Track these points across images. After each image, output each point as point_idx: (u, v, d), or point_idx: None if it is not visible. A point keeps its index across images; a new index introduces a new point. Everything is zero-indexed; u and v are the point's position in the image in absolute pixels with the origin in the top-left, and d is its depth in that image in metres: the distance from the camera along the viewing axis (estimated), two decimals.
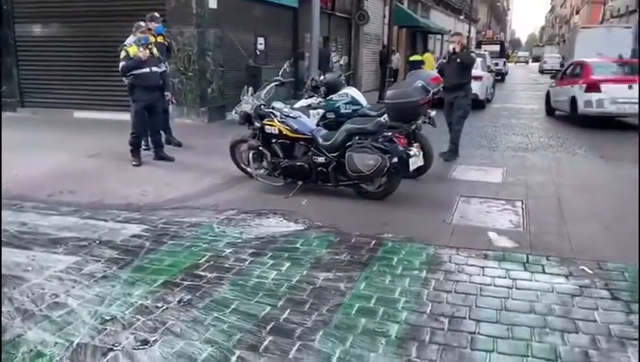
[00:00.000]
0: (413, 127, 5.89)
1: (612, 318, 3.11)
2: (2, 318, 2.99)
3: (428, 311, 3.17)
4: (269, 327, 2.95)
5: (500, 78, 30.90)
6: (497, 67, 27.57)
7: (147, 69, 6.94)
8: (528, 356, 2.71)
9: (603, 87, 10.93)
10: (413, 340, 2.84)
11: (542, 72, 28.41)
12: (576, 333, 2.94)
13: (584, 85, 11.27)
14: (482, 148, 8.94)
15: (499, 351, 2.75)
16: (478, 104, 14.97)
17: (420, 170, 6.11)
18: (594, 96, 11.01)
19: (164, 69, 7.51)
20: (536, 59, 51.40)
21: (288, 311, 3.15)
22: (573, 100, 11.62)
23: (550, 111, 13.94)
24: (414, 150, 5.40)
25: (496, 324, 3.03)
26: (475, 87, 14.94)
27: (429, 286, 3.53)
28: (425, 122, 6.25)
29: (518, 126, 11.96)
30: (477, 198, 5.71)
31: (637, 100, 10.02)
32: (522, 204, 5.50)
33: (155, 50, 7.23)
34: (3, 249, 3.92)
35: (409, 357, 2.68)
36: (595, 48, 20.93)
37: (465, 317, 3.10)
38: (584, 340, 2.87)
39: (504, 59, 36.34)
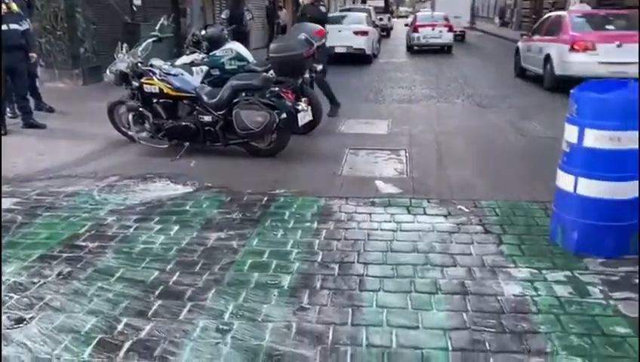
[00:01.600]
0: (299, 81, 5.86)
1: (485, 250, 3.38)
2: None
3: (319, 260, 3.24)
4: (157, 292, 2.86)
5: (385, 33, 31.58)
6: (382, 22, 28.22)
7: (5, 27, 6.23)
8: (411, 291, 2.87)
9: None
10: (305, 288, 2.89)
11: (412, 48, 24.35)
12: (454, 266, 3.16)
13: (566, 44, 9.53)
14: (369, 102, 9.18)
15: (385, 289, 2.89)
16: (365, 59, 15.32)
17: (310, 126, 6.15)
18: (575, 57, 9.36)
19: (27, 27, 6.78)
20: None
21: (178, 273, 3.06)
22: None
23: (521, 72, 12.11)
24: (302, 105, 5.40)
25: (382, 265, 3.17)
26: (362, 41, 15.34)
27: (320, 236, 3.60)
28: (312, 76, 6.25)
29: (402, 79, 12.40)
30: (364, 150, 5.87)
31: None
32: (406, 152, 5.75)
33: (13, 6, 6.49)
34: None
35: (301, 304, 2.73)
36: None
37: (354, 262, 3.21)
38: (461, 272, 3.09)
39: (389, 15, 37.25)
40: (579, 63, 9.28)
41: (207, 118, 5.38)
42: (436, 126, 7.13)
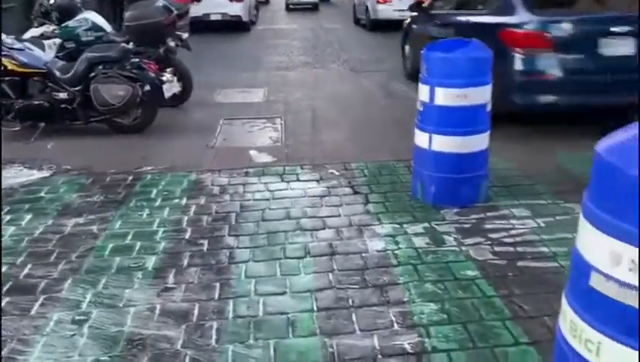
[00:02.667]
0: (161, 50, 5.56)
1: (353, 210, 3.48)
2: None
3: (187, 237, 3.15)
4: (5, 288, 2.62)
5: (264, 0, 31.08)
6: None
7: None
8: (281, 258, 2.89)
9: None
10: (171, 268, 2.80)
11: (288, 7, 25.13)
12: (323, 229, 3.23)
13: None
14: (246, 70, 9.01)
15: (255, 259, 2.88)
16: (242, 26, 14.98)
17: (180, 97, 5.92)
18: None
19: None
20: None
21: (30, 266, 2.83)
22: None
23: (356, 21, 16.63)
24: (167, 76, 5.16)
25: (254, 236, 3.15)
26: (238, 8, 14.94)
27: (190, 212, 3.50)
28: (178, 45, 5.98)
29: (280, 46, 12.31)
30: (239, 120, 5.78)
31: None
32: (281, 120, 5.74)
33: None
34: None
35: (166, 284, 2.65)
36: None
37: (224, 235, 3.16)
38: (330, 234, 3.17)
39: None
40: (382, 11, 14.04)
41: (62, 95, 4.95)
42: (312, 92, 7.18)
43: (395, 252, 2.92)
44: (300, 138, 5.11)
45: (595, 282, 1.46)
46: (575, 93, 4.62)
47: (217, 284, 2.64)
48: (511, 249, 2.93)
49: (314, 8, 24.26)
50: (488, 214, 3.36)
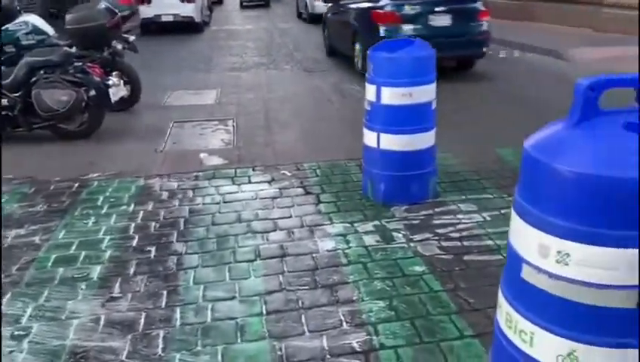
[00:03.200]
0: (106, 53, 5.42)
1: (305, 211, 3.49)
2: None
3: (134, 244, 3.08)
4: None
5: (217, 0, 30.76)
6: None
7: None
8: (231, 262, 2.86)
9: None
10: (117, 277, 2.73)
11: (242, 4, 27.25)
12: (274, 231, 3.21)
13: None
14: (199, 72, 8.90)
15: (204, 264, 2.84)
16: (195, 27, 14.78)
17: (129, 101, 5.78)
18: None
19: None
20: None
21: None
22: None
23: (299, 15, 18.80)
24: (114, 79, 5.03)
25: (203, 240, 3.11)
26: (189, 9, 14.73)
27: (137, 218, 3.42)
28: (125, 48, 5.84)
29: (234, 47, 12.20)
30: (191, 122, 5.69)
31: None
32: (233, 121, 5.69)
33: None
34: None
35: (111, 294, 2.58)
36: None
37: (173, 241, 3.11)
38: (281, 235, 3.16)
39: None
40: (318, 6, 15.45)
41: (2, 102, 4.76)
42: (265, 93, 7.15)
43: (346, 251, 2.94)
44: (252, 139, 5.07)
45: (527, 274, 1.50)
46: None
47: (165, 292, 2.59)
48: (458, 243, 2.99)
49: (266, 5, 26.74)
50: (436, 210, 3.42)
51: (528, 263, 1.48)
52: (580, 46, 9.24)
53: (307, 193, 3.78)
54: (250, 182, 4.01)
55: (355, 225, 3.25)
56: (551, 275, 1.43)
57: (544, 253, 1.43)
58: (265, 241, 3.09)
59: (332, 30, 9.72)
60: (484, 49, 7.70)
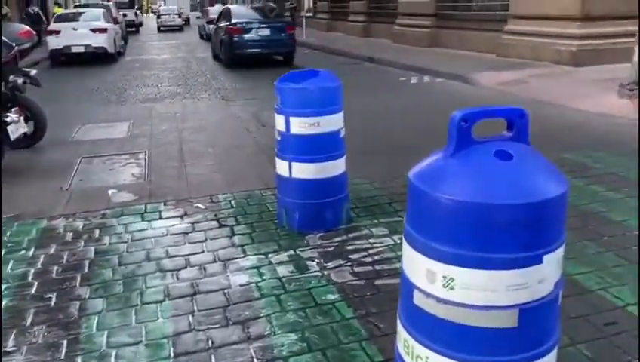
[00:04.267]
0: (4, 89, 5.12)
1: (218, 245, 3.42)
2: None
3: (33, 292, 2.88)
4: None
5: (134, 29, 30.13)
6: (127, 18, 26.82)
7: None
8: (138, 305, 2.74)
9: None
10: (12, 328, 2.54)
11: (160, 29, 34.70)
12: (185, 268, 3.12)
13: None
14: (111, 104, 8.62)
15: (109, 309, 2.70)
16: (109, 58, 14.37)
17: (32, 137, 5.48)
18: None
19: None
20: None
21: None
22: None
23: (207, 37, 21.23)
24: (12, 116, 4.76)
25: (109, 283, 2.97)
26: (102, 39, 14.34)
27: (37, 263, 3.21)
28: (26, 82, 5.55)
29: (149, 77, 11.95)
30: (100, 157, 5.48)
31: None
32: (145, 154, 5.53)
33: None
34: None
35: (5, 349, 2.39)
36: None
37: (75, 286, 2.94)
38: (192, 272, 3.07)
39: (135, 10, 35.60)
40: (211, 28, 17.49)
41: None
42: (180, 124, 7.03)
43: (259, 284, 2.90)
44: (164, 172, 4.95)
45: (418, 300, 1.54)
46: (255, 48, 12.82)
47: (65, 341, 2.43)
48: (370, 268, 3.04)
49: (180, 29, 33.49)
50: (350, 235, 3.47)
51: (419, 289, 1.53)
52: (484, 70, 9.85)
53: (221, 226, 3.71)
54: (161, 218, 3.89)
55: (270, 256, 3.22)
56: (439, 300, 1.48)
57: (431, 278, 1.48)
58: (175, 280, 2.99)
59: (213, 42, 15.75)
60: (292, 49, 13.46)
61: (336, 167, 3.56)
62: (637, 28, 6.97)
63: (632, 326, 2.40)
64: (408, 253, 1.56)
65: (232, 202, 4.13)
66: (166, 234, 3.60)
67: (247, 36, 12.77)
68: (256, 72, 12.17)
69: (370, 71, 12.04)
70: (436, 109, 7.39)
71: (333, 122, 3.46)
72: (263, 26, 13.03)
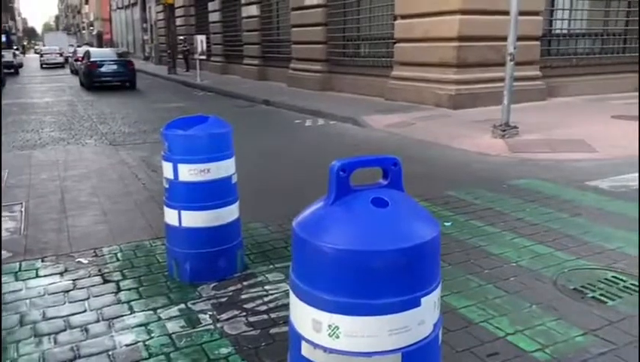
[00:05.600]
0: None
1: (102, 302, 3.19)
2: None
3: None
4: None
5: (12, 70, 28.39)
6: (5, 59, 25.12)
7: None
8: None
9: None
10: None
11: (42, 66, 37.20)
12: (64, 331, 2.86)
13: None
14: None
15: None
16: None
17: None
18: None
19: None
20: None
21: None
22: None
23: (72, 71, 27.86)
24: None
25: None
26: None
27: None
28: None
29: (28, 122, 11.16)
30: None
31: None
32: (22, 206, 5.09)
33: None
34: None
35: None
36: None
37: None
38: (73, 335, 2.82)
39: (14, 50, 33.55)
40: (78, 65, 23.87)
41: None
42: (62, 172, 6.58)
43: (147, 342, 2.73)
44: (43, 226, 4.57)
45: (305, 350, 1.53)
46: (107, 77, 19.14)
47: None
48: (265, 316, 2.98)
49: (61, 66, 36.05)
50: (245, 284, 3.39)
51: (306, 340, 1.51)
52: (373, 114, 10.34)
53: (106, 281, 3.47)
54: (37, 276, 3.57)
55: (159, 311, 3.05)
56: (325, 349, 1.47)
57: (317, 328, 1.47)
58: (52, 344, 2.73)
59: (80, 73, 21.74)
60: (133, 78, 19.45)
61: (229, 213, 3.50)
62: (504, 74, 7.73)
63: (512, 356, 2.55)
64: (294, 302, 1.55)
65: (118, 255, 3.90)
66: (43, 294, 3.30)
67: (100, 70, 18.93)
68: (151, 114, 11.82)
69: (266, 113, 12.18)
70: (330, 151, 7.61)
71: (224, 168, 3.41)
72: (111, 62, 19.31)
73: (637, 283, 3.24)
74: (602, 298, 3.09)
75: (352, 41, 14.34)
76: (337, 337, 1.44)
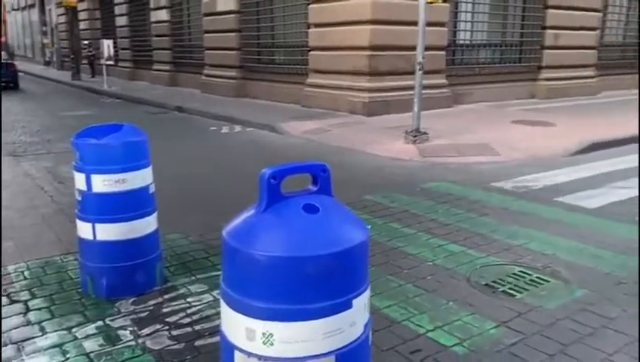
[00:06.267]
0: None
1: (9, 325, 2.95)
2: None
3: None
4: None
5: None
6: None
7: None
8: None
9: None
10: None
11: None
12: None
13: None
14: None
15: None
16: None
17: None
18: None
19: None
20: None
21: None
22: None
23: None
24: None
25: None
26: None
27: None
28: None
29: None
30: None
31: None
32: None
33: None
34: None
35: None
36: None
37: None
38: None
39: None
40: None
41: None
42: None
43: None
44: None
45: (239, 360, 1.52)
46: None
47: None
48: (189, 329, 2.91)
49: None
50: (166, 297, 3.29)
51: (239, 349, 1.51)
52: (290, 120, 10.41)
53: (12, 302, 3.23)
54: None
55: (74, 330, 2.89)
56: (260, 357, 1.47)
57: (251, 336, 1.47)
58: None
59: None
60: (15, 79, 20.02)
61: (147, 224, 3.38)
62: (414, 82, 8.09)
63: (434, 352, 2.67)
64: (226, 312, 1.54)
65: (26, 273, 3.64)
66: None
67: None
68: (49, 120, 11.11)
69: (179, 120, 11.87)
70: (249, 158, 7.57)
71: (140, 178, 3.29)
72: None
73: (542, 277, 3.51)
74: (511, 291, 3.31)
75: (266, 48, 14.36)
76: (272, 344, 1.45)
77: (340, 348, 1.49)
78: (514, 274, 3.57)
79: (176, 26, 18.93)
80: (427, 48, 8.27)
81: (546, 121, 9.98)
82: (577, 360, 2.59)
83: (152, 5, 19.68)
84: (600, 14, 14.55)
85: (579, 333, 2.83)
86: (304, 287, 1.44)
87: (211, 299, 3.25)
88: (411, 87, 8.45)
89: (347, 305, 1.48)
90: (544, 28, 13.43)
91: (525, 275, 3.54)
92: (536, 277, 3.51)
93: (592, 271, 3.61)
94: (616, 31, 15.94)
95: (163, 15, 19.25)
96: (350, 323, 1.50)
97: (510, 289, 3.35)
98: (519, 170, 6.47)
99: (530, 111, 11.19)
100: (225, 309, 1.54)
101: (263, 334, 1.45)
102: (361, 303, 1.53)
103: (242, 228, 1.52)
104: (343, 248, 1.45)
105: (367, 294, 1.56)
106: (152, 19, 19.86)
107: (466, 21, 12.61)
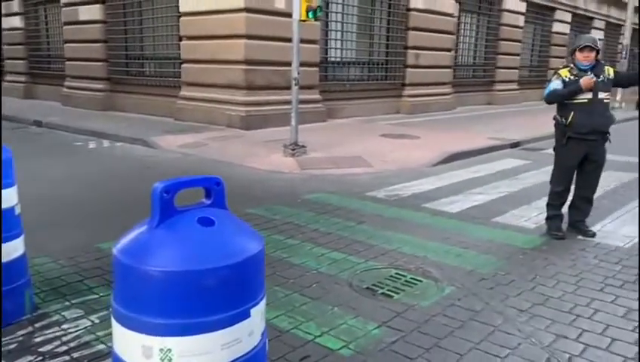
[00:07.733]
0: None
1: None
2: None
3: None
4: None
5: None
6: None
7: None
8: None
9: None
10: None
11: None
12: None
13: None
14: None
15: None
16: None
17: None
18: None
19: None
20: None
21: None
22: None
23: None
24: None
25: None
26: None
27: None
28: None
29: None
30: None
31: None
32: None
33: None
34: None
35: None
36: None
37: None
38: None
39: None
40: None
41: None
42: None
43: None
44: None
45: None
46: None
47: None
48: (66, 357, 2.72)
49: None
50: (37, 326, 3.03)
51: None
52: (163, 134, 10.09)
53: None
54: None
55: None
56: None
57: (148, 353, 1.45)
58: None
59: None
60: None
61: (13, 248, 3.09)
62: (290, 97, 8.30)
63: (322, 356, 2.77)
64: (119, 331, 1.50)
65: None
66: None
67: None
68: None
69: (39, 136, 10.94)
70: (122, 174, 7.21)
71: (5, 198, 3.01)
72: None
73: (415, 278, 3.80)
74: (389, 293, 3.54)
75: (135, 60, 13.78)
76: (170, 360, 1.44)
77: (238, 358, 1.52)
78: (391, 276, 3.82)
79: (32, 35, 17.46)
80: (301, 64, 8.53)
81: (411, 134, 10.77)
82: (450, 352, 2.85)
83: (3, 12, 17.95)
84: (454, 37, 16.07)
85: (450, 327, 3.11)
86: (202, 300, 1.45)
87: (89, 323, 3.06)
88: (287, 102, 8.64)
89: (245, 315, 1.51)
90: (406, 48, 14.50)
91: (401, 277, 3.81)
92: (411, 278, 3.79)
93: (457, 269, 3.98)
94: (467, 52, 17.69)
95: (16, 22, 17.66)
96: (249, 333, 1.53)
97: (388, 290, 3.58)
98: (390, 180, 6.92)
99: (396, 126, 12.00)
100: (118, 329, 1.49)
101: (161, 350, 1.43)
102: (259, 312, 1.57)
103: (135, 244, 1.49)
104: (241, 259, 1.49)
105: (263, 303, 1.61)
106: (4, 25, 18.12)
107: (336, 39, 13.19)
